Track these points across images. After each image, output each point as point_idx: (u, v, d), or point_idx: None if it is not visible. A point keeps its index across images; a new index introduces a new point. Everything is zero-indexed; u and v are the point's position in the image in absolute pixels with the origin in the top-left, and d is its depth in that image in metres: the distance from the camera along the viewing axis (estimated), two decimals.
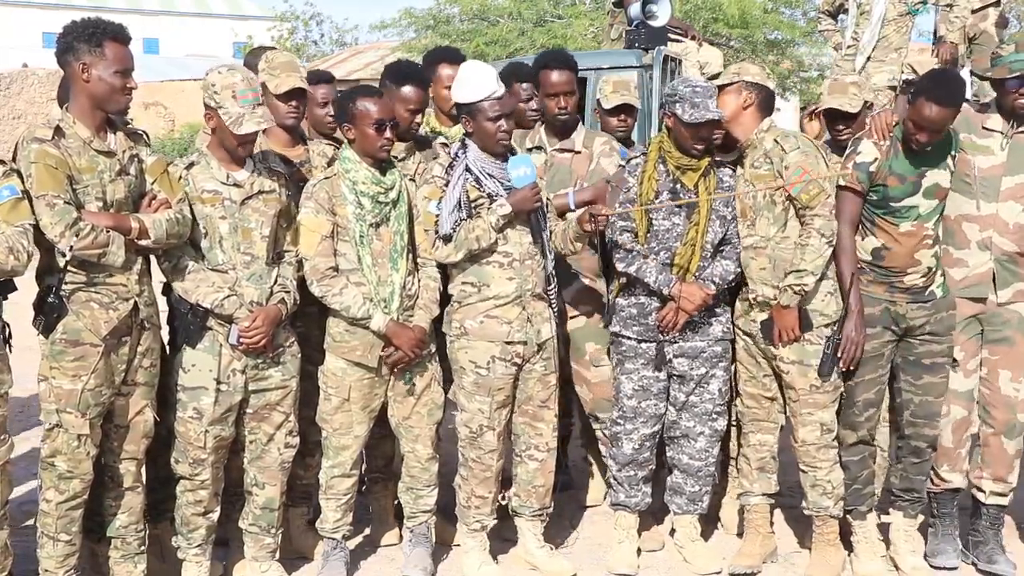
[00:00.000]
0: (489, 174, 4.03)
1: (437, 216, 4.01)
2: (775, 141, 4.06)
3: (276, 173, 3.97)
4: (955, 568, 4.29)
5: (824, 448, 4.12)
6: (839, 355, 4.04)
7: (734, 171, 4.23)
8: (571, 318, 4.55)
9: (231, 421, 3.89)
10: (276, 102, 4.16)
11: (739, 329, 4.24)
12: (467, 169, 4.02)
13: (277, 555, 4.13)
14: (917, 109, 3.90)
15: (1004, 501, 4.30)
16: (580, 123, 4.70)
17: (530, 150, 4.58)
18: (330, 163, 4.22)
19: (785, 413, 4.24)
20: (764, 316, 4.10)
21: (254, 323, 3.78)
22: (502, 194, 4.02)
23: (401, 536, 4.45)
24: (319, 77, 4.59)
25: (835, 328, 4.04)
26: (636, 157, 4.29)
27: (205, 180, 3.81)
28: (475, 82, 3.99)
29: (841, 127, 4.44)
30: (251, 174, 3.87)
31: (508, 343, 4.07)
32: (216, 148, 3.84)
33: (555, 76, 4.50)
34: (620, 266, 4.19)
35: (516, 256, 4.06)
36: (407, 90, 4.22)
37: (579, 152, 4.57)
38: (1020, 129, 4.12)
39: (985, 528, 4.31)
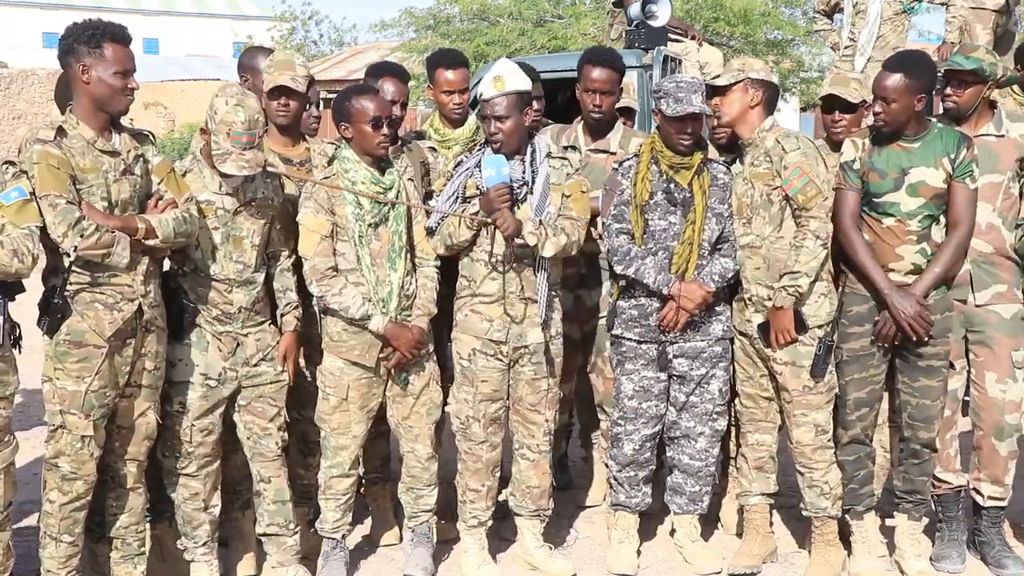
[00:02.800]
0: None
1: (432, 208, 4.09)
2: (776, 140, 4.06)
3: (271, 175, 3.97)
4: (959, 573, 4.28)
5: (820, 449, 4.12)
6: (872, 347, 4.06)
7: (729, 168, 4.24)
8: (600, 317, 4.56)
9: (218, 415, 3.90)
10: (268, 100, 4.18)
11: (735, 329, 4.24)
12: (478, 165, 4.07)
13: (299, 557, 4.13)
14: (875, 78, 4.04)
15: (1001, 504, 4.31)
16: (618, 123, 4.70)
17: (566, 149, 4.59)
18: (331, 162, 4.23)
19: (782, 414, 4.24)
20: (760, 317, 4.10)
21: (287, 366, 3.99)
22: None
23: (401, 536, 4.46)
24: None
25: (827, 329, 4.04)
26: (629, 159, 4.29)
27: (198, 190, 3.80)
28: (483, 82, 4.04)
29: (838, 118, 4.36)
30: (245, 180, 3.87)
31: (489, 340, 4.09)
32: (209, 156, 3.84)
33: (596, 72, 4.49)
34: (619, 268, 4.19)
35: (502, 257, 4.07)
36: (383, 85, 4.30)
37: (614, 153, 4.57)
38: (980, 133, 4.17)
39: (987, 528, 4.33)
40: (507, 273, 4.08)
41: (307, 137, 4.39)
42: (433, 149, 4.53)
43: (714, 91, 4.18)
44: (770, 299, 4.04)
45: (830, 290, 4.08)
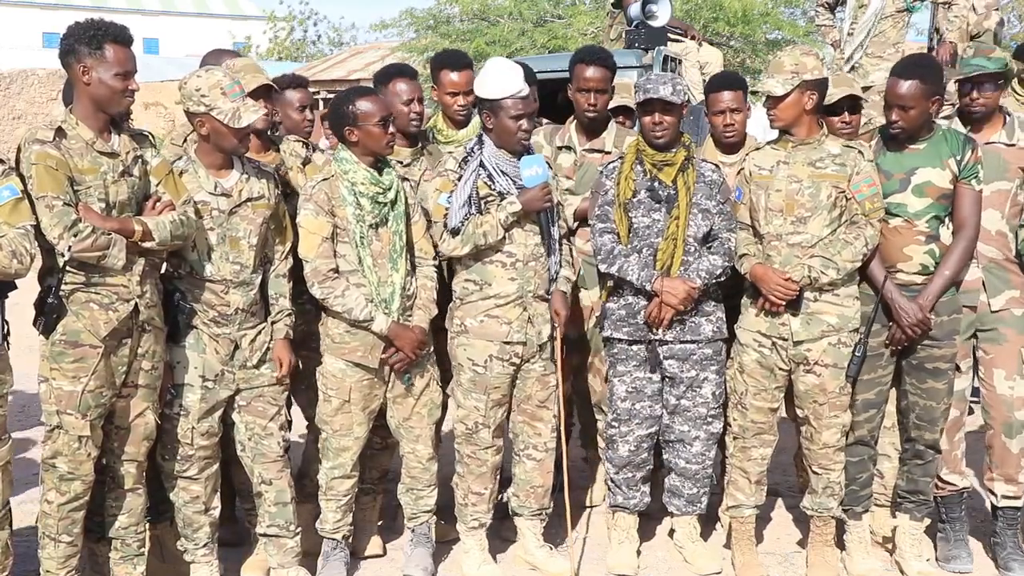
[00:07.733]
0: (502, 171, 4.07)
1: (447, 208, 4.05)
2: (847, 146, 4.01)
3: (266, 174, 3.97)
4: (969, 572, 4.27)
5: (839, 450, 4.11)
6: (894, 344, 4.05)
7: (717, 166, 4.25)
8: (595, 315, 4.55)
9: (218, 417, 3.89)
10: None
11: (761, 335, 4.10)
12: (481, 165, 4.06)
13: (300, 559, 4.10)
14: (887, 86, 4.00)
15: (1017, 503, 4.27)
16: (612, 123, 4.71)
17: (560, 149, 4.58)
18: (304, 162, 4.32)
19: (798, 419, 4.21)
20: (797, 321, 4.00)
21: (283, 370, 3.93)
22: (513, 192, 4.05)
23: (384, 547, 4.45)
24: (294, 81, 4.65)
25: (863, 331, 4.02)
26: (614, 161, 4.29)
27: (193, 191, 3.78)
28: (501, 79, 4.04)
29: (848, 118, 4.31)
30: (240, 177, 3.86)
31: (507, 343, 4.09)
32: (205, 154, 3.83)
33: (589, 71, 4.47)
34: (603, 267, 4.20)
35: (520, 257, 4.08)
36: (395, 85, 4.32)
37: (608, 152, 4.57)
38: (988, 141, 4.18)
39: (1002, 530, 4.30)
40: (525, 273, 4.09)
41: (276, 142, 4.38)
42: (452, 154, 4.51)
43: (770, 98, 4.02)
44: (816, 300, 4.00)
45: (857, 293, 4.05)
